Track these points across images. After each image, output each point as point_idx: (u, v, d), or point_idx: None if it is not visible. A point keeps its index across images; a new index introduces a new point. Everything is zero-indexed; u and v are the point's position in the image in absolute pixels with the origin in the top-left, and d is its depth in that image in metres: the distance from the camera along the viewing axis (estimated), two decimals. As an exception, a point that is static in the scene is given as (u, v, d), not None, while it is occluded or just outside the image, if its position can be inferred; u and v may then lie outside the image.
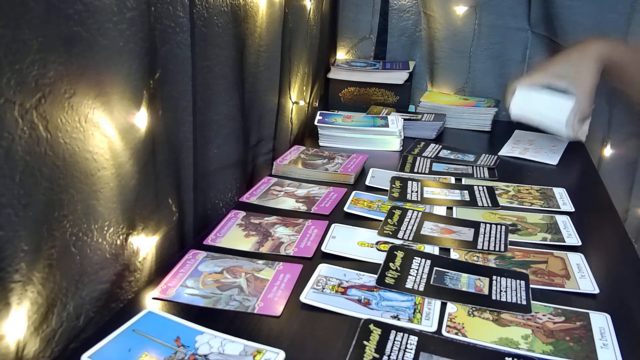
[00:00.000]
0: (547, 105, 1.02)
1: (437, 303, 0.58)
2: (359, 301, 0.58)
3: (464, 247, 0.70)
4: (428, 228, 0.75)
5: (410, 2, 1.37)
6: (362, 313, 0.56)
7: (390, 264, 0.65)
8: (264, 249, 0.69)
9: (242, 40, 0.81)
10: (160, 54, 0.60)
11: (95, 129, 0.50)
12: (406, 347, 0.51)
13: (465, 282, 0.62)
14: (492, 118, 1.25)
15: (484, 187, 0.89)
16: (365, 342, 0.52)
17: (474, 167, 0.99)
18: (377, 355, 0.50)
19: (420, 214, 0.78)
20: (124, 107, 0.54)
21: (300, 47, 1.06)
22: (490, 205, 0.83)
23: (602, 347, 0.52)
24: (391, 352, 0.51)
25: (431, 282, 0.62)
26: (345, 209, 0.80)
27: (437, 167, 0.99)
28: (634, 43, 1.16)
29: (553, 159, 1.05)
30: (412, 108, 1.35)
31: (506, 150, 1.09)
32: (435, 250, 0.69)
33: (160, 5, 0.58)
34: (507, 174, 0.97)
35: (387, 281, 0.61)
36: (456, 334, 0.54)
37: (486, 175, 0.96)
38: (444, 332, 0.54)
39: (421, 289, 0.61)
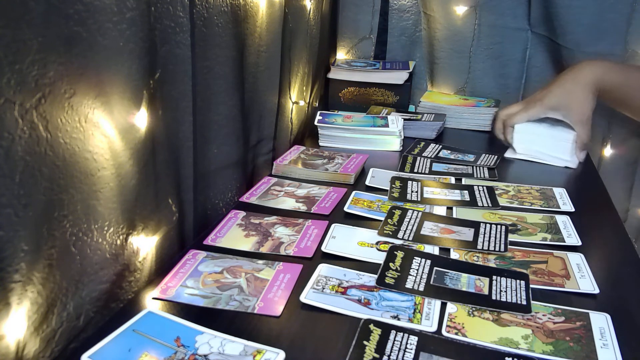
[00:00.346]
0: (549, 142, 1.03)
1: (437, 303, 0.58)
2: (359, 301, 0.58)
3: (464, 247, 0.70)
4: (428, 228, 0.75)
5: (410, 2, 1.37)
6: (362, 313, 0.56)
7: (390, 264, 0.65)
8: (264, 249, 0.69)
9: (242, 40, 0.81)
10: (160, 54, 0.60)
11: (95, 129, 0.50)
12: (406, 347, 0.51)
13: (465, 282, 0.62)
14: (492, 118, 1.25)
15: (484, 187, 0.89)
16: (365, 342, 0.52)
17: (474, 167, 0.99)
18: (377, 355, 0.50)
19: (420, 214, 0.78)
20: (124, 107, 0.54)
21: (300, 47, 1.06)
22: (490, 205, 0.83)
23: (602, 347, 0.52)
24: (391, 352, 0.51)
25: (431, 282, 0.62)
26: (345, 209, 0.80)
27: (437, 167, 0.99)
28: (631, 47, 1.16)
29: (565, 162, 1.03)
30: (412, 108, 1.35)
31: (512, 152, 1.08)
32: (435, 250, 0.69)
33: (160, 5, 0.58)
34: (507, 174, 0.97)
35: (387, 281, 0.61)
36: (456, 334, 0.54)
37: (486, 175, 0.96)
38: (444, 332, 0.54)
39: (421, 289, 0.61)
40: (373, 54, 1.42)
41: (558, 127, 1.04)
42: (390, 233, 0.73)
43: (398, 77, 1.31)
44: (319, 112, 1.12)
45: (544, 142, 1.04)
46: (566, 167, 1.02)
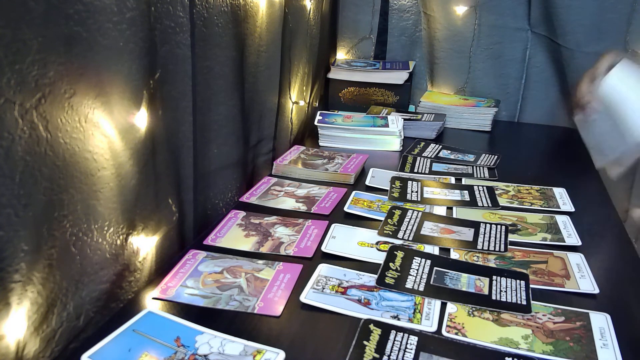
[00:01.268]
0: (622, 123, 0.81)
1: (437, 303, 0.58)
2: (359, 301, 0.58)
3: (464, 247, 0.70)
4: (428, 228, 0.75)
5: (410, 2, 1.37)
6: (362, 313, 0.56)
7: (390, 264, 0.65)
8: (264, 249, 0.69)
9: (242, 40, 0.81)
10: (160, 54, 0.60)
11: (95, 129, 0.50)
12: (406, 347, 0.51)
13: (465, 282, 0.62)
14: (492, 118, 1.25)
15: (484, 187, 0.89)
16: (365, 342, 0.52)
17: (474, 167, 0.99)
18: (377, 355, 0.50)
19: (420, 214, 0.78)
20: (124, 107, 0.54)
21: (300, 47, 1.06)
22: (490, 205, 0.83)
23: (602, 347, 0.52)
24: (391, 352, 0.51)
25: (431, 282, 0.62)
26: (345, 209, 0.80)
27: (437, 167, 0.99)
28: (631, 47, 1.16)
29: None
30: (412, 108, 1.35)
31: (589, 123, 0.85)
32: (435, 250, 0.69)
33: (160, 5, 0.58)
34: (507, 174, 0.97)
35: (387, 281, 0.61)
36: (456, 334, 0.54)
37: (486, 175, 0.96)
38: (444, 332, 0.54)
39: (421, 289, 0.61)
40: (373, 54, 1.42)
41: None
42: (390, 233, 0.73)
43: (398, 77, 1.31)
44: (319, 112, 1.12)
45: (620, 116, 0.80)
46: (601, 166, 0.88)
